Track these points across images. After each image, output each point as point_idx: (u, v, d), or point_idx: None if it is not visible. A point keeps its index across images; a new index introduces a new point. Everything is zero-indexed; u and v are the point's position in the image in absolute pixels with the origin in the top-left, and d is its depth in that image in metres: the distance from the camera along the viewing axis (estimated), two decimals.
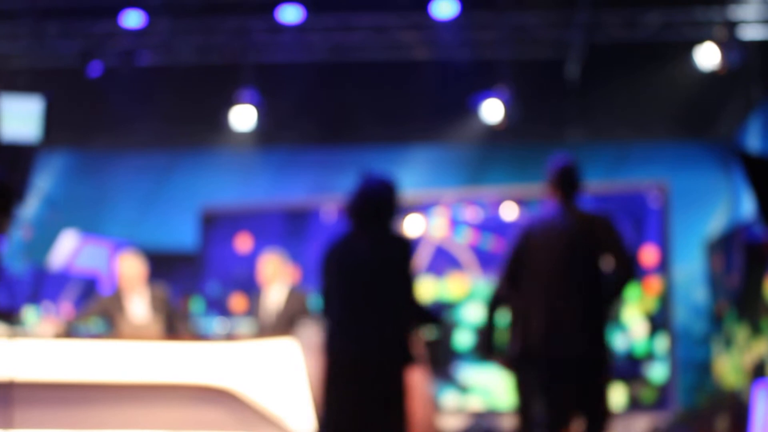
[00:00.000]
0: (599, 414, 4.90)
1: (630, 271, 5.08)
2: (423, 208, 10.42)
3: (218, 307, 10.88)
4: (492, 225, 10.19)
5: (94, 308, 7.69)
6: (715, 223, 11.14)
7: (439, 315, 4.95)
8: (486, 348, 5.63)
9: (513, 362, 5.26)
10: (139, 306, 7.63)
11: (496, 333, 5.44)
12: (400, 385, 4.33)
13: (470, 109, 11.12)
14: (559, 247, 4.93)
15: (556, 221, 5.01)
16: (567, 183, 5.12)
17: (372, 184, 4.61)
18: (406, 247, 4.55)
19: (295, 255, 9.82)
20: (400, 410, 4.31)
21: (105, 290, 9.95)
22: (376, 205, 4.56)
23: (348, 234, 4.53)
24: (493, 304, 5.37)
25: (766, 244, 4.59)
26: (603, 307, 5.00)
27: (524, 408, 5.30)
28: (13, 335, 6.08)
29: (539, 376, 4.93)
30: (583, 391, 4.89)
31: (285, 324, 7.63)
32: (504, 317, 5.24)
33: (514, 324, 5.05)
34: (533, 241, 4.96)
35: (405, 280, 4.43)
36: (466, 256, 10.21)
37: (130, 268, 7.66)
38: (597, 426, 4.88)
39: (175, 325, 7.70)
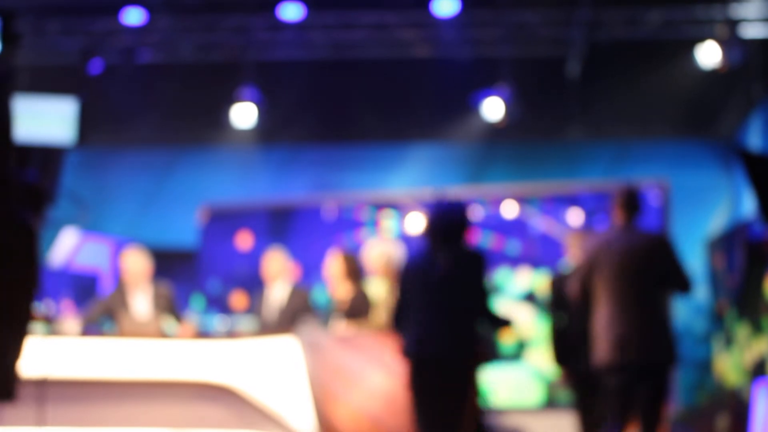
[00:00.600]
0: (657, 417, 5.47)
1: (687, 286, 5.66)
2: (424, 206, 10.41)
3: (219, 305, 10.88)
4: (493, 223, 10.18)
5: (98, 307, 7.68)
6: (716, 221, 11.13)
7: (509, 320, 5.40)
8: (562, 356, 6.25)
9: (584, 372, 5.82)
10: (142, 303, 7.62)
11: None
12: (474, 381, 5.08)
13: (471, 107, 11.11)
14: (626, 264, 5.48)
15: (621, 240, 5.54)
16: (630, 206, 5.63)
17: (449, 207, 5.21)
18: (482, 261, 5.19)
19: (297, 252, 9.82)
20: (473, 403, 5.08)
21: (106, 288, 9.94)
22: (454, 226, 5.13)
23: (429, 251, 5.12)
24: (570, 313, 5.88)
25: (766, 242, 4.58)
26: (665, 319, 5.60)
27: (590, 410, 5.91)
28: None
29: (612, 383, 5.48)
30: (651, 395, 5.46)
31: (287, 321, 7.62)
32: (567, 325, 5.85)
33: (587, 333, 5.61)
34: (601, 259, 5.49)
35: (481, 291, 5.11)
36: None
37: (135, 264, 7.65)
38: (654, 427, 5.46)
39: (177, 322, 7.71)
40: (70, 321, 7.19)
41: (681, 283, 5.61)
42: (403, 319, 5.20)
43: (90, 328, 7.41)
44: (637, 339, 5.44)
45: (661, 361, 5.51)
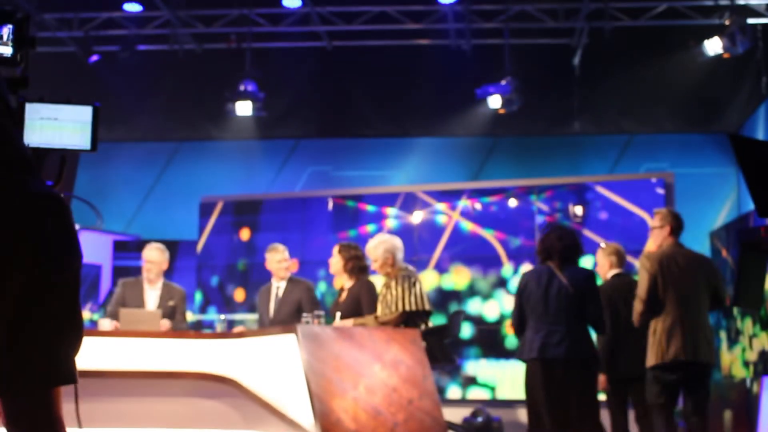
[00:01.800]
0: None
1: (723, 302, 6.64)
2: (426, 199, 10.33)
3: (219, 298, 10.81)
4: (496, 217, 10.10)
5: (116, 302, 7.71)
6: (723, 215, 11.04)
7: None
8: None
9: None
10: (154, 296, 7.70)
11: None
12: (594, 378, 6.08)
13: (475, 99, 11.03)
14: (688, 277, 6.37)
15: (683, 256, 6.45)
16: (680, 227, 6.60)
17: (564, 232, 6.12)
18: (594, 278, 6.13)
19: (299, 246, 9.75)
20: (594, 397, 6.03)
21: (106, 282, 9.87)
22: (570, 249, 6.04)
23: (549, 270, 6.00)
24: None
25: (761, 233, 4.46)
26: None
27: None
28: None
29: (670, 379, 6.32)
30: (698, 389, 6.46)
31: (288, 315, 7.56)
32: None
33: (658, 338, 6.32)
34: (667, 272, 6.33)
35: (595, 302, 6.02)
36: (470, 248, 10.13)
37: (158, 257, 7.74)
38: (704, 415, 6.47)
39: (182, 319, 7.72)
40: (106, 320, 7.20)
41: (722, 299, 6.58)
42: (523, 327, 6.09)
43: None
44: (701, 341, 6.35)
45: (712, 362, 6.48)
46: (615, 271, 7.11)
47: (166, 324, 7.35)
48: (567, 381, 5.90)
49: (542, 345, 5.92)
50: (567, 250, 6.02)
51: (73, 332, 2.24)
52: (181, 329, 7.64)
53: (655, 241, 6.76)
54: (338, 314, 6.91)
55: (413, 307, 6.60)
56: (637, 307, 6.31)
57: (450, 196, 10.30)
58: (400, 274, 6.76)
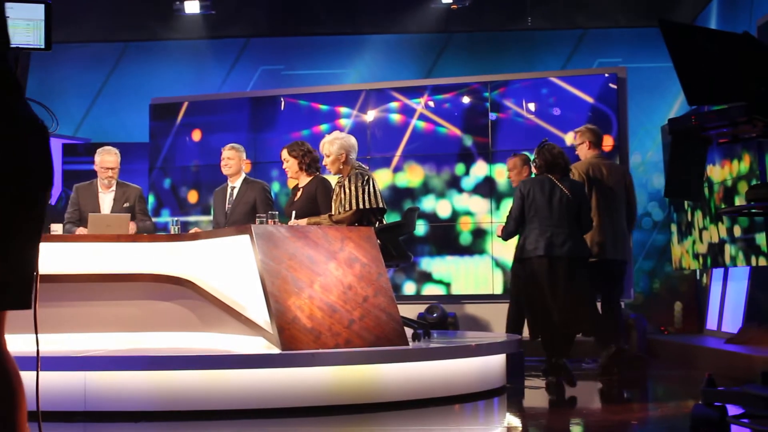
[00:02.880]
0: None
1: (635, 215, 8.10)
2: (380, 97, 10.26)
3: (172, 201, 10.74)
4: (449, 114, 10.07)
5: (72, 207, 7.65)
6: (675, 109, 11.09)
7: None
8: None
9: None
10: (108, 199, 7.63)
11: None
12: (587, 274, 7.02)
13: None
14: (611, 184, 7.73)
15: (602, 166, 7.84)
16: (597, 140, 7.94)
17: (558, 150, 7.05)
18: (583, 187, 7.25)
19: (249, 146, 9.67)
20: (588, 291, 7.03)
21: (56, 186, 9.75)
22: (566, 163, 7.06)
23: (550, 181, 6.96)
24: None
25: (692, 122, 4.42)
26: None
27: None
28: None
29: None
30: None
31: (243, 215, 7.54)
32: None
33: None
34: (593, 180, 7.64)
35: (587, 209, 7.12)
36: (424, 146, 10.11)
37: (112, 161, 7.65)
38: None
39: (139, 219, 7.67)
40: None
41: (634, 211, 8.01)
42: (517, 230, 7.05)
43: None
44: (620, 242, 7.61)
45: (626, 260, 7.88)
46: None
47: (132, 227, 7.32)
48: (569, 277, 6.81)
49: (548, 244, 6.83)
50: (567, 165, 7.08)
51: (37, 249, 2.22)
52: (147, 228, 7.62)
53: (580, 156, 7.88)
54: (293, 213, 6.90)
55: (367, 205, 6.60)
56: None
57: (403, 94, 10.24)
58: (353, 172, 6.74)
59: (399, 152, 10.13)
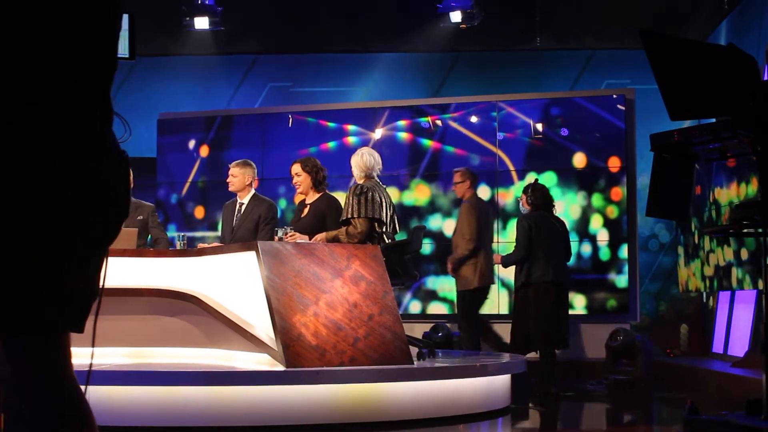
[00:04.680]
0: None
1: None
2: (388, 115, 10.27)
3: (179, 216, 10.75)
4: (456, 133, 10.07)
5: None
6: None
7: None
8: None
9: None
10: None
11: None
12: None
13: (436, 13, 10.91)
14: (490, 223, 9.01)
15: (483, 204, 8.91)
16: (475, 180, 8.82)
17: (545, 187, 8.18)
18: (564, 222, 8.29)
19: (256, 163, 9.67)
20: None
21: None
22: (552, 199, 8.12)
23: (547, 216, 7.95)
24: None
25: (674, 137, 4.30)
26: None
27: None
28: None
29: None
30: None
31: (248, 232, 7.53)
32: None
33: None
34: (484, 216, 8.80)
35: (568, 237, 8.18)
36: (430, 164, 10.10)
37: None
38: None
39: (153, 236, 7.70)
40: None
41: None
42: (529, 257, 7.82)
43: None
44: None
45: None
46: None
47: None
48: (563, 298, 7.93)
49: (555, 272, 7.78)
50: (552, 202, 8.08)
51: None
52: (166, 242, 7.64)
53: (458, 192, 8.72)
54: (300, 229, 6.92)
55: (362, 214, 6.62)
56: (470, 244, 8.45)
57: (411, 112, 10.24)
58: (356, 185, 6.82)
59: (406, 170, 10.12)
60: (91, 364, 2.35)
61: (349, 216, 6.65)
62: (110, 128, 2.25)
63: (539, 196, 7.94)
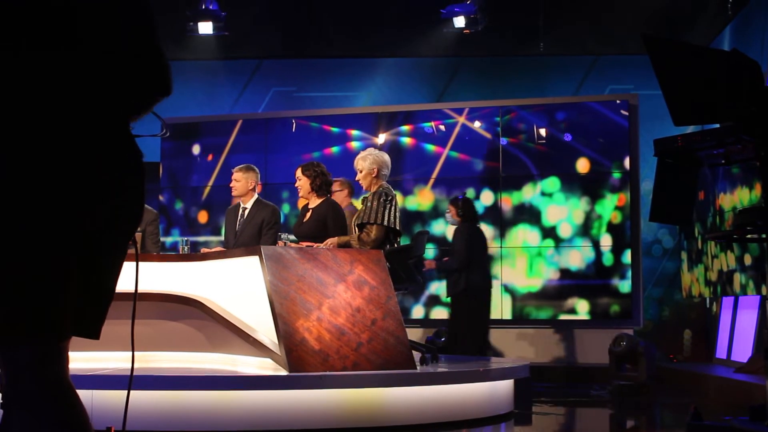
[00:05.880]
0: None
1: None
2: (391, 120, 10.27)
3: (182, 221, 10.75)
4: (460, 138, 10.07)
5: None
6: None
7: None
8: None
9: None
10: None
11: None
12: None
13: (439, 19, 10.91)
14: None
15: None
16: (352, 190, 8.27)
17: (471, 200, 8.79)
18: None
19: (260, 167, 9.68)
20: None
21: None
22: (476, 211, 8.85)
23: (477, 227, 8.61)
24: None
25: (678, 143, 4.27)
26: None
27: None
28: None
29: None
30: None
31: (251, 236, 7.53)
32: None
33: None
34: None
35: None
36: (433, 169, 10.11)
37: None
38: None
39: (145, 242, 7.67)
40: None
41: None
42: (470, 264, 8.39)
43: None
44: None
45: None
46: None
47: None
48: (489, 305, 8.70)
49: (485, 279, 8.56)
50: (477, 215, 8.77)
51: None
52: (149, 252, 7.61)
53: (337, 199, 8.09)
54: (303, 233, 6.91)
55: (385, 223, 6.57)
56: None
57: (414, 117, 10.25)
58: (379, 190, 6.72)
59: (409, 175, 10.13)
60: (132, 368, 2.35)
61: (366, 220, 6.60)
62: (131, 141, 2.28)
63: (468, 209, 8.56)
